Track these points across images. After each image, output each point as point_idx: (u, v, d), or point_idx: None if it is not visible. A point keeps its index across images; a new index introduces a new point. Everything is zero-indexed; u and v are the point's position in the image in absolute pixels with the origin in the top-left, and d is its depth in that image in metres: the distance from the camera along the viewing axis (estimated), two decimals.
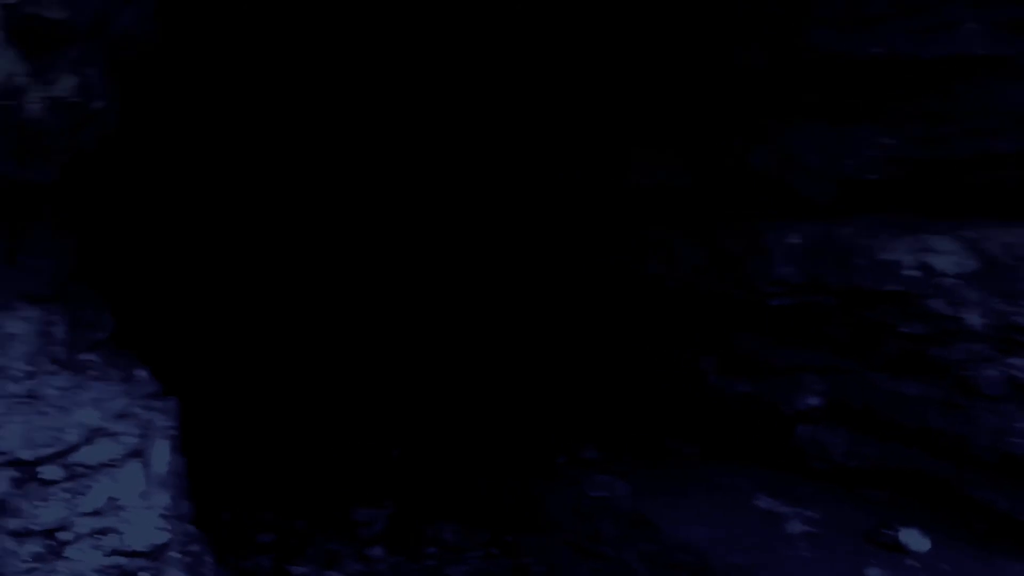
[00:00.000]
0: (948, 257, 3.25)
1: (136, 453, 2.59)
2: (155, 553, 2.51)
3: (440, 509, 5.38)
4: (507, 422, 5.77)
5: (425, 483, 5.77)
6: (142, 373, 2.86)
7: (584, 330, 5.11)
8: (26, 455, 2.33)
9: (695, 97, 4.03)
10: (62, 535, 2.38)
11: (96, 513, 2.44)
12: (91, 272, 2.91)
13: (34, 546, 2.42)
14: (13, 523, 2.39)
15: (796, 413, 4.10)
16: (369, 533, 5.10)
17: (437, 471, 5.93)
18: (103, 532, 2.45)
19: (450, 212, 6.10)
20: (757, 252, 3.66)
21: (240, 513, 5.27)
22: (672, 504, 4.36)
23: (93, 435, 2.48)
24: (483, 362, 6.04)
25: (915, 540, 3.64)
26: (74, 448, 2.40)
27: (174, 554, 2.57)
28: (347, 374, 6.89)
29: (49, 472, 2.34)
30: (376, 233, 6.76)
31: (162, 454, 2.71)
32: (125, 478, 2.53)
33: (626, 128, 4.30)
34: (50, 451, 2.35)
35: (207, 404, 5.95)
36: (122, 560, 2.50)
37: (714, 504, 4.30)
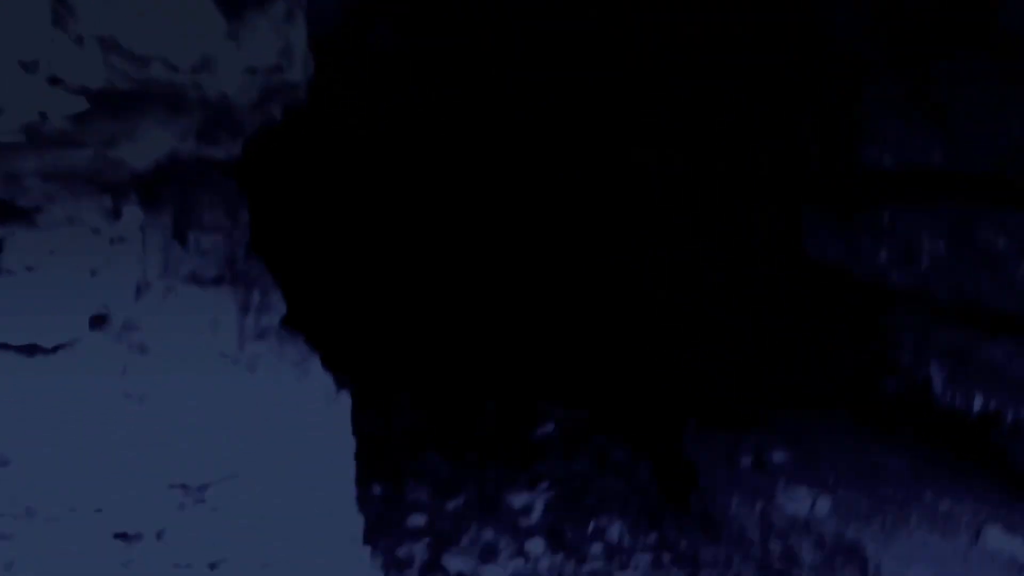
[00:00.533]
0: None
1: None
2: None
3: (602, 500, 4.94)
4: (680, 410, 5.26)
5: (584, 467, 5.34)
6: (315, 366, 2.45)
7: (779, 321, 4.53)
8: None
9: (955, 49, 3.35)
10: None
11: None
12: (263, 250, 2.50)
13: None
14: None
15: None
16: (527, 523, 4.69)
17: (596, 455, 5.50)
18: None
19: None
20: None
21: (391, 489, 4.94)
22: (884, 532, 3.79)
23: None
24: (659, 341, 5.53)
25: None
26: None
27: None
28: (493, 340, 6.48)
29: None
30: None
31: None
32: None
33: (861, 87, 3.66)
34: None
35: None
36: None
37: (937, 538, 3.71)
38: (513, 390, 6.26)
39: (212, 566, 1.96)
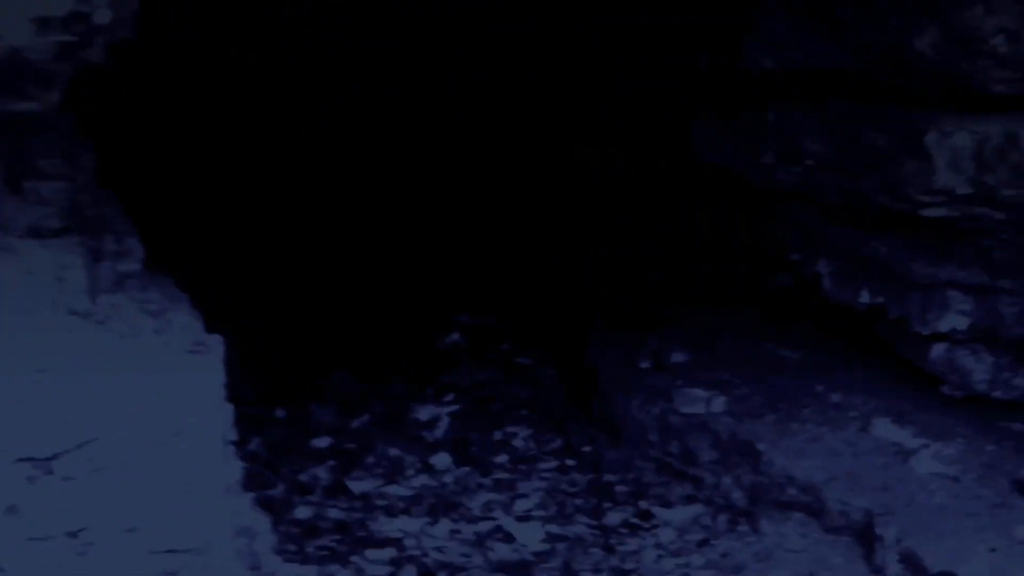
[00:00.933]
0: None
1: None
2: None
3: (508, 408, 4.96)
4: (584, 315, 5.27)
5: (490, 376, 5.34)
6: (180, 316, 2.35)
7: (678, 224, 4.53)
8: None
9: None
10: None
11: None
12: (115, 192, 2.37)
13: None
14: None
15: (933, 333, 3.54)
16: (432, 436, 4.69)
17: (503, 362, 5.51)
18: None
19: None
20: (913, 153, 3.02)
21: (295, 412, 4.89)
22: (778, 427, 3.87)
23: None
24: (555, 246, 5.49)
25: None
26: None
27: None
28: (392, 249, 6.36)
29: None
30: None
31: None
32: None
33: None
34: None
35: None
36: None
37: (828, 430, 3.81)
38: (419, 301, 6.20)
39: (72, 535, 1.89)
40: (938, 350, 3.63)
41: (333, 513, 3.95)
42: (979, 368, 3.53)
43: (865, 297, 3.76)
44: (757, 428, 3.85)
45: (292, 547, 3.61)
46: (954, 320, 3.48)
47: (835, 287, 3.87)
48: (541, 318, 5.75)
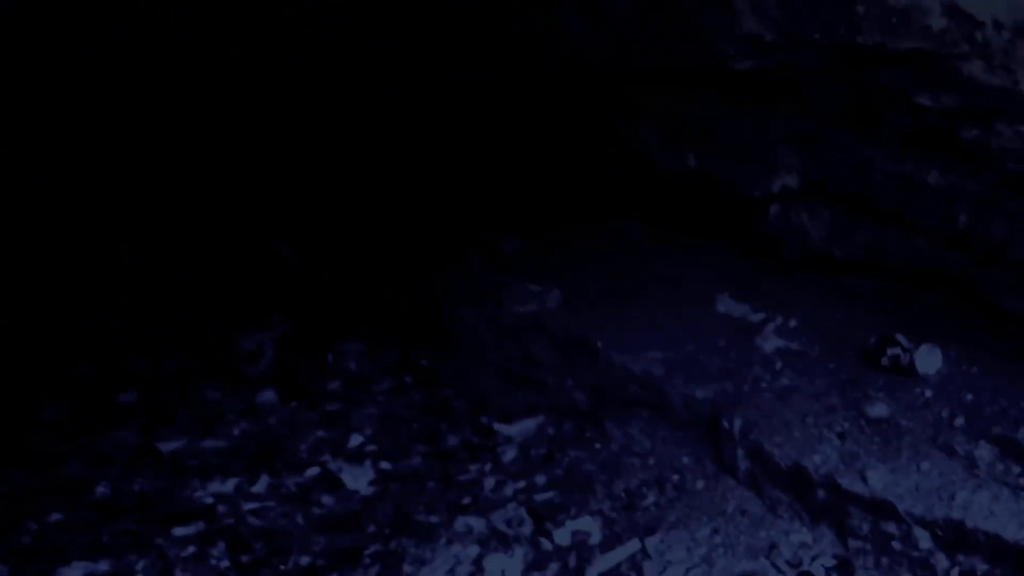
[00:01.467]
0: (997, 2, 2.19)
1: None
2: None
3: (339, 327, 4.51)
4: (415, 216, 4.78)
5: (318, 295, 4.86)
6: None
7: (491, 103, 4.02)
8: None
9: None
10: None
11: None
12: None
13: None
14: None
15: (766, 195, 3.18)
16: (256, 371, 4.23)
17: (333, 279, 5.01)
18: None
19: None
20: (713, 2, 2.56)
21: (101, 366, 4.36)
22: (617, 316, 3.51)
23: None
24: (383, 150, 4.93)
25: (926, 359, 2.86)
26: None
27: None
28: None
29: None
30: None
31: None
32: None
33: None
34: None
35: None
36: None
37: (667, 311, 3.46)
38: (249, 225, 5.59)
39: None
40: (773, 211, 3.28)
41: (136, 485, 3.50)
42: (815, 225, 3.21)
43: (691, 161, 3.37)
44: (592, 323, 3.49)
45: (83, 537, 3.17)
46: (785, 179, 3.12)
47: (661, 154, 3.46)
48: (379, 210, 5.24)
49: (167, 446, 3.69)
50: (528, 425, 3.47)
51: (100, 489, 3.45)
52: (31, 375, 4.26)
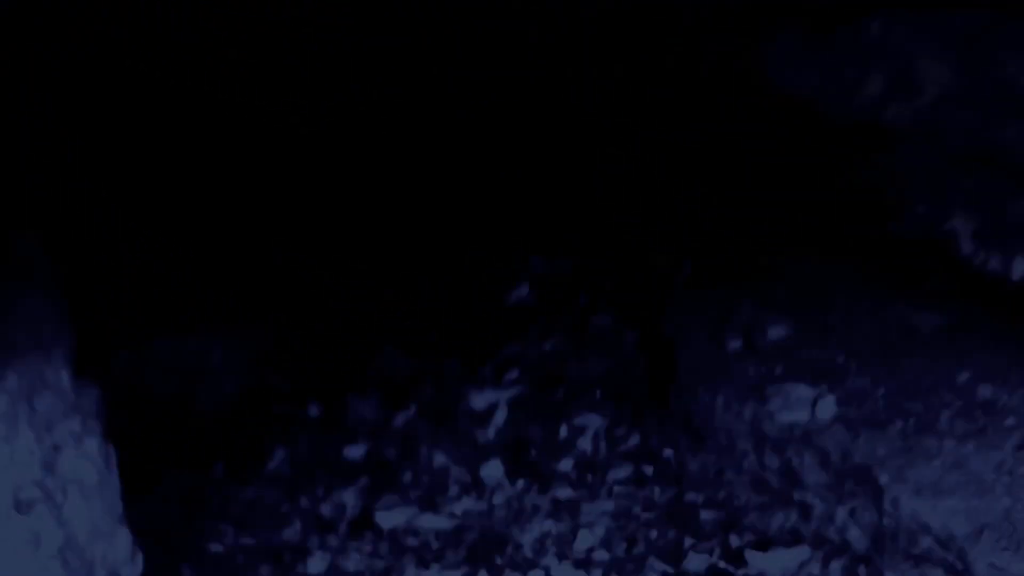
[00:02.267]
0: None
1: None
2: None
3: (578, 389, 4.14)
4: (671, 264, 4.33)
5: (560, 344, 4.51)
6: None
7: (768, 164, 3.51)
8: None
9: None
10: None
11: None
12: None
13: None
14: None
15: None
16: (485, 436, 3.94)
17: (576, 322, 4.65)
18: None
19: None
20: None
21: (331, 407, 4.21)
22: (909, 445, 2.91)
23: None
24: None
25: None
26: None
27: None
28: None
29: None
30: None
31: None
32: None
33: None
34: None
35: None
36: None
37: (976, 448, 2.83)
38: (487, 244, 5.32)
39: None
40: None
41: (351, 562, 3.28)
42: None
43: (1020, 268, 2.74)
44: (878, 446, 2.92)
45: None
46: None
47: (976, 251, 2.85)
48: (624, 264, 4.84)
49: (388, 519, 3.45)
50: (788, 558, 2.95)
51: (315, 563, 3.26)
52: (257, 416, 4.18)
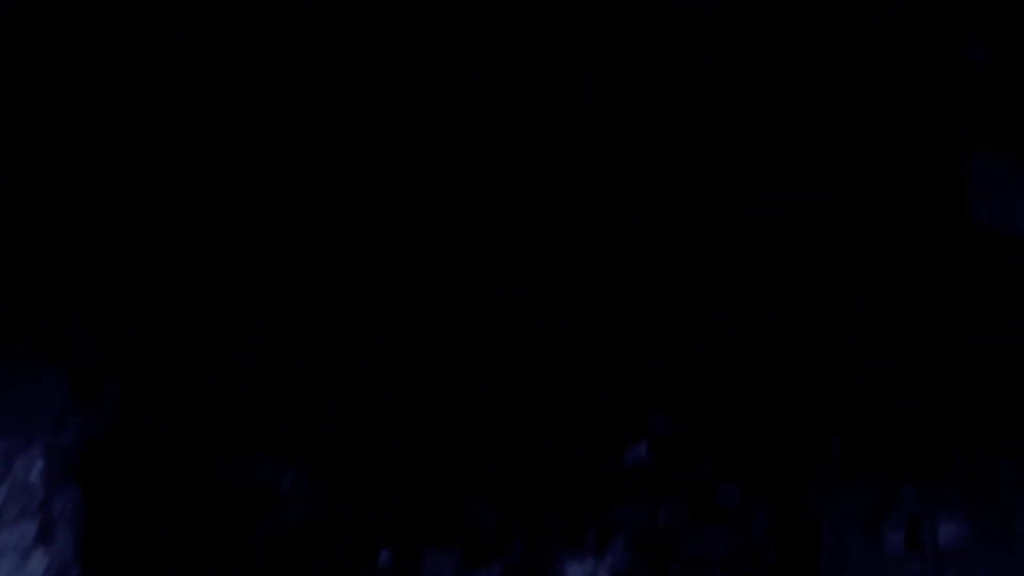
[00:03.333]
0: None
1: None
2: None
3: (687, 564, 3.49)
4: (818, 438, 3.69)
5: (678, 514, 3.87)
6: None
7: (953, 319, 2.91)
8: None
9: None
10: None
11: None
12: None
13: None
14: None
15: None
16: None
17: (697, 493, 4.01)
18: None
19: None
20: None
21: (403, 558, 3.66)
22: None
23: None
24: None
25: None
26: None
27: None
28: None
29: None
30: None
31: None
32: None
33: None
34: None
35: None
36: None
37: None
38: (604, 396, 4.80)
39: None
40: None
41: None
42: None
43: None
44: None
45: None
46: None
47: None
48: (759, 433, 4.21)
49: None
50: None
51: None
52: (319, 555, 3.67)
